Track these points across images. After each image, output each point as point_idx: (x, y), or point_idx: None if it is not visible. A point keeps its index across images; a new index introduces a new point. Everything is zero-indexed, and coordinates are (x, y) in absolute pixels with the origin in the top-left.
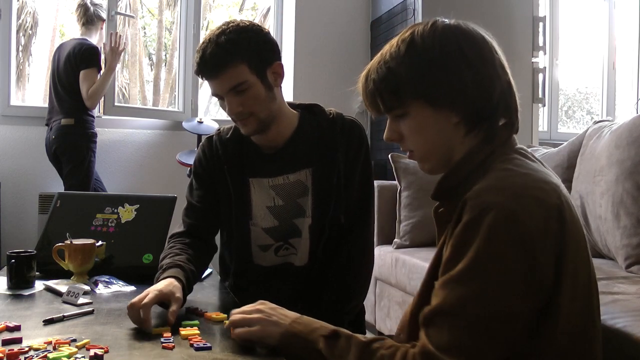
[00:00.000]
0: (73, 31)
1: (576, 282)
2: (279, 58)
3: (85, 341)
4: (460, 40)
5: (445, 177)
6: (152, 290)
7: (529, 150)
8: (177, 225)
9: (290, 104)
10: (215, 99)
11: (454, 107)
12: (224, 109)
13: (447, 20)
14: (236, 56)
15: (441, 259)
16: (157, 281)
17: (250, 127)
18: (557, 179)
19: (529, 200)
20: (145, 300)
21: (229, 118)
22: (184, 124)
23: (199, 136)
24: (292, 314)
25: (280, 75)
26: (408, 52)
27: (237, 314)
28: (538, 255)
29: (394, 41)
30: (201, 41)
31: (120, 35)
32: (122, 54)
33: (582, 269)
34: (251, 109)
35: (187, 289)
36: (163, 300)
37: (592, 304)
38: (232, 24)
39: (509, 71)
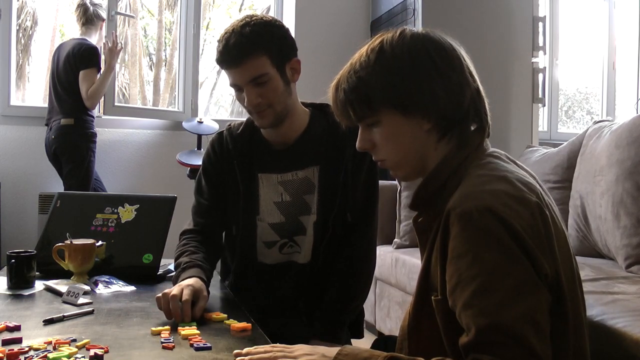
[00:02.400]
0: (73, 31)
1: (570, 274)
2: (296, 54)
3: (85, 341)
4: (429, 48)
5: (421, 186)
6: (185, 286)
7: (504, 152)
8: (186, 222)
9: (301, 102)
10: (215, 99)
11: (425, 114)
12: (240, 101)
13: (415, 29)
14: (259, 48)
15: (429, 271)
16: (178, 279)
17: (266, 119)
18: (532, 179)
19: (511, 200)
20: (187, 297)
21: (229, 118)
22: (184, 124)
23: (199, 136)
24: (334, 348)
25: (297, 71)
26: (378, 60)
27: (278, 350)
28: (534, 251)
29: (363, 50)
30: (223, 31)
31: (116, 35)
32: (121, 53)
33: (566, 263)
34: (269, 101)
35: (208, 287)
36: (194, 296)
37: (577, 297)
38: (255, 17)
39: (477, 78)
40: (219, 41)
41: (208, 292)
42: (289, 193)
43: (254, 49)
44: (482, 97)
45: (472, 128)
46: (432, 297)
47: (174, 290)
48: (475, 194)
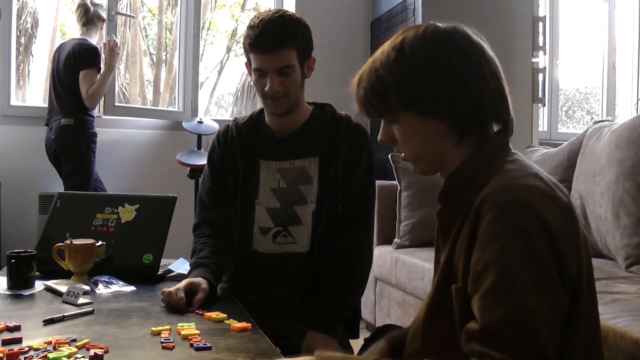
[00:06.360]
0: (73, 31)
1: (588, 278)
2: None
3: (85, 341)
4: (447, 49)
5: (451, 177)
6: (184, 281)
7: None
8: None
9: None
10: (215, 99)
11: (440, 117)
12: (257, 85)
13: (439, 25)
14: (292, 41)
15: (450, 264)
16: None
17: (280, 107)
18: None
19: (547, 199)
20: (179, 285)
21: (229, 118)
22: (184, 124)
23: (199, 136)
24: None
25: (311, 69)
26: (396, 60)
27: None
28: (563, 253)
29: (386, 47)
30: (256, 18)
31: (111, 37)
32: (121, 53)
33: (588, 266)
34: (288, 91)
35: (214, 281)
36: (192, 288)
37: (593, 300)
38: (287, 13)
39: (501, 75)
40: (251, 27)
41: (214, 285)
42: (285, 180)
43: (288, 41)
44: (504, 96)
45: (495, 129)
46: (453, 286)
47: (172, 288)
48: (512, 187)
